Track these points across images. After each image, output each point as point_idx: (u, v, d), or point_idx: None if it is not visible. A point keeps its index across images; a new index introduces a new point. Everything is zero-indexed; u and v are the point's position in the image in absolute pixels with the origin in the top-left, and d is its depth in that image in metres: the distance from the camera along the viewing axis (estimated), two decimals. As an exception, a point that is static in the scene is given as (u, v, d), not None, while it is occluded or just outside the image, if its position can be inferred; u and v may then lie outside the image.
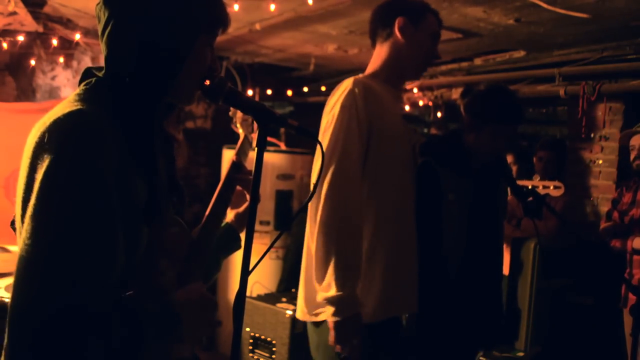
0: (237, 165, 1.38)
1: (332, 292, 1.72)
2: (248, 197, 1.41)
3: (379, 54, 2.01)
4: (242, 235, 1.47)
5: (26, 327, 0.90)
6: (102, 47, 1.11)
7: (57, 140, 0.95)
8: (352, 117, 1.79)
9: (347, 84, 1.85)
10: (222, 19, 1.16)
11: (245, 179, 1.37)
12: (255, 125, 1.48)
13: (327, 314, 1.74)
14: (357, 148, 1.79)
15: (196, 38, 1.12)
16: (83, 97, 1.05)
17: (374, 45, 2.04)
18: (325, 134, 1.80)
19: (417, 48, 1.97)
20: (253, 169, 1.14)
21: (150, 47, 1.07)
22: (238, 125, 1.52)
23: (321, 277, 1.75)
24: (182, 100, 1.20)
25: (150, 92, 1.10)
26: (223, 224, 1.42)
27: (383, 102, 1.91)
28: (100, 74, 1.10)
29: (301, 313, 1.89)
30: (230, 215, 1.45)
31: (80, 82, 1.11)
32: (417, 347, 2.24)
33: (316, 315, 1.81)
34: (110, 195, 0.97)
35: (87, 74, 1.12)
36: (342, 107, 1.80)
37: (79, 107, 1.00)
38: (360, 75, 1.97)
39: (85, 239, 0.93)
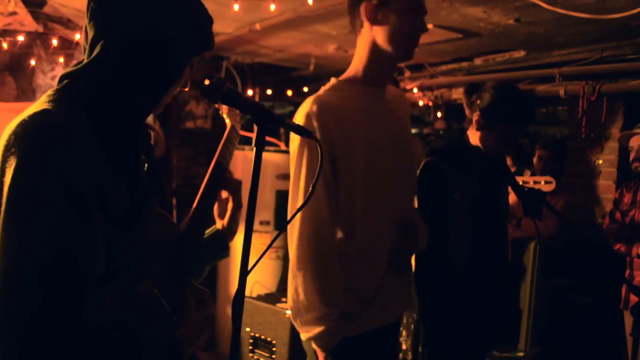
0: (221, 166, 1.37)
1: (316, 330, 1.70)
2: (230, 206, 1.41)
3: (358, 49, 1.80)
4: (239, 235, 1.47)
5: (13, 332, 0.89)
6: (88, 46, 1.09)
7: (22, 141, 0.95)
8: (312, 151, 1.67)
9: (304, 106, 1.72)
10: (211, 42, 1.20)
11: (229, 181, 1.36)
12: (241, 114, 1.48)
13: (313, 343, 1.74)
14: (321, 183, 1.68)
15: (191, 58, 1.16)
16: (52, 98, 1.04)
17: (355, 36, 1.84)
18: (291, 168, 1.73)
19: (395, 30, 1.72)
20: (252, 168, 1.14)
21: (150, 63, 1.09)
22: (225, 115, 1.51)
23: (304, 312, 1.72)
24: (156, 110, 1.20)
25: (141, 105, 1.12)
26: (213, 230, 1.41)
27: (355, 114, 1.75)
28: (75, 70, 1.09)
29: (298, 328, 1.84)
30: (218, 224, 1.43)
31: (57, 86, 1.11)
32: (426, 346, 2.24)
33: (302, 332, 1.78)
34: (81, 194, 0.96)
35: (62, 77, 1.11)
36: (300, 141, 1.69)
37: (45, 107, 1.00)
38: (334, 81, 1.80)
39: (59, 237, 0.92)
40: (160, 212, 1.20)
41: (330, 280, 1.71)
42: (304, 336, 1.76)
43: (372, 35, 1.75)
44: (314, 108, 1.69)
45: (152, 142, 1.28)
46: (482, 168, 2.26)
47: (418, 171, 2.25)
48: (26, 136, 0.96)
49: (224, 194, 1.40)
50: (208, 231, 1.40)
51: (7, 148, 0.96)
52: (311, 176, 1.67)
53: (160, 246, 1.17)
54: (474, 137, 2.28)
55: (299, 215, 1.68)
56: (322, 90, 1.78)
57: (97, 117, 1.05)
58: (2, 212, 0.93)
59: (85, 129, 1.02)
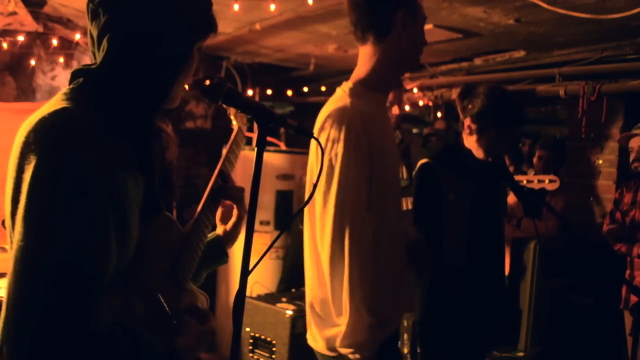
0: (224, 175, 1.37)
1: (359, 340, 1.63)
2: (235, 213, 1.41)
3: (374, 54, 1.75)
4: (239, 239, 1.46)
5: (25, 328, 0.90)
6: (96, 47, 1.10)
7: (42, 139, 0.96)
8: (357, 157, 1.62)
9: (343, 111, 1.66)
10: (214, 25, 1.19)
11: (231, 192, 1.36)
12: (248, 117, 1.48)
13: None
14: (364, 190, 1.65)
15: (193, 43, 1.14)
16: (69, 97, 1.05)
17: (363, 41, 1.77)
18: (330, 172, 1.63)
19: (415, 41, 1.77)
20: (253, 168, 1.14)
21: (155, 54, 1.09)
22: (232, 117, 1.52)
23: (352, 321, 1.63)
24: (171, 102, 1.20)
25: (152, 97, 1.11)
26: (213, 236, 1.42)
27: (376, 121, 1.73)
28: (90, 69, 1.10)
29: (315, 344, 1.76)
30: (219, 230, 1.44)
31: (70, 83, 1.11)
32: (424, 348, 2.24)
33: (334, 349, 1.69)
34: (100, 193, 0.97)
35: (76, 74, 1.12)
36: (346, 145, 1.61)
37: (64, 105, 1.01)
38: (350, 85, 1.75)
39: (76, 236, 0.93)
40: (167, 215, 1.21)
41: (371, 289, 1.65)
42: (344, 348, 1.65)
43: (397, 44, 1.73)
44: (355, 115, 1.64)
45: (164, 145, 1.27)
46: (478, 169, 2.27)
47: (414, 173, 2.27)
48: (46, 134, 0.96)
49: (228, 202, 1.41)
50: (208, 236, 1.40)
51: (26, 145, 0.96)
52: (357, 185, 1.62)
53: (163, 249, 1.17)
54: (467, 140, 2.30)
55: (347, 225, 1.61)
56: (345, 94, 1.72)
57: (112, 113, 1.06)
58: (22, 209, 0.93)
59: (102, 126, 1.03)
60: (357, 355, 1.64)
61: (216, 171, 1.36)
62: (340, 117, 1.64)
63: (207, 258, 1.37)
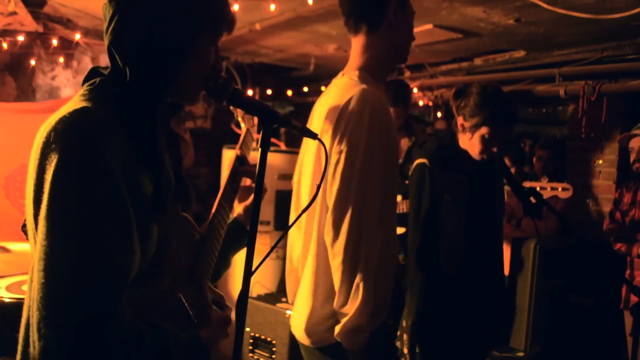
0: (241, 159, 1.39)
1: (358, 325, 1.61)
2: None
3: (368, 44, 1.76)
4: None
5: (54, 327, 0.90)
6: (106, 44, 1.11)
7: (63, 138, 0.96)
8: (379, 147, 1.62)
9: (364, 97, 1.63)
10: (225, 18, 1.17)
11: (250, 170, 1.38)
12: (256, 121, 1.49)
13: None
14: (380, 184, 1.64)
15: (198, 35, 1.12)
16: (87, 97, 1.06)
17: (355, 31, 1.78)
18: (350, 162, 1.60)
19: (406, 33, 1.80)
20: (257, 168, 1.14)
21: (152, 42, 1.08)
22: (240, 119, 1.52)
23: (359, 306, 1.61)
24: (186, 99, 1.19)
25: (152, 88, 1.10)
26: (231, 220, 1.42)
27: (389, 112, 1.75)
28: (106, 73, 1.12)
29: (303, 336, 1.74)
30: (238, 209, 1.45)
31: (84, 82, 1.12)
32: (421, 348, 2.24)
33: (325, 339, 1.69)
34: (121, 190, 0.97)
35: (93, 73, 1.13)
36: (370, 132, 1.60)
37: (83, 105, 1.01)
38: (357, 73, 1.74)
39: (101, 233, 0.93)
40: (184, 216, 1.21)
41: (378, 277, 1.64)
42: (343, 334, 1.63)
43: (391, 35, 1.75)
44: (381, 106, 1.65)
45: (182, 152, 1.28)
46: (473, 169, 2.27)
47: (410, 172, 2.28)
48: (66, 132, 0.96)
49: (248, 182, 1.42)
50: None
51: (47, 145, 0.96)
52: (375, 179, 1.61)
53: (182, 250, 1.18)
54: (462, 140, 2.32)
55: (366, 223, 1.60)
56: (356, 82, 1.72)
57: (122, 110, 1.06)
58: (44, 208, 0.93)
59: (117, 124, 1.03)
60: (356, 341, 1.63)
61: (231, 164, 1.37)
62: (362, 104, 1.62)
63: (231, 242, 1.39)
